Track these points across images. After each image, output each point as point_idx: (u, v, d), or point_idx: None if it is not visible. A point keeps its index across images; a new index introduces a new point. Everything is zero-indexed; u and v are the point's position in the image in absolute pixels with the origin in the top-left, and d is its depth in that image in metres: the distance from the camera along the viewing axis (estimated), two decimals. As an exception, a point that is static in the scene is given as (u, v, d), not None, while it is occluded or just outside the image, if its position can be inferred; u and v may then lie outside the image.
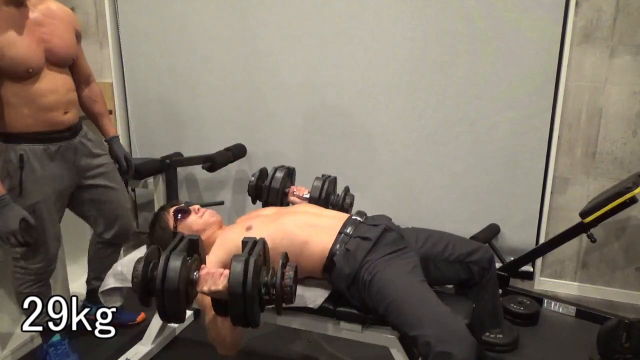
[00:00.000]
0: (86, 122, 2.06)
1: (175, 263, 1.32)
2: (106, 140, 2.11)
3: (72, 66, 1.92)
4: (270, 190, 1.97)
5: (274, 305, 1.38)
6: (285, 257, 1.44)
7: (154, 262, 1.37)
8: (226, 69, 2.90)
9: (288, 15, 2.72)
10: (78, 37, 1.92)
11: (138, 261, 1.37)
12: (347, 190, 2.06)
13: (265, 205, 2.01)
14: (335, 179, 2.08)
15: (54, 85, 1.77)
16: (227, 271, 1.35)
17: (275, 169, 2.01)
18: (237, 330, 1.50)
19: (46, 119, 1.77)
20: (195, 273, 1.38)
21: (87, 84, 2.04)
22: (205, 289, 1.34)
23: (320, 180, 2.00)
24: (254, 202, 2.05)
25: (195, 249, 1.46)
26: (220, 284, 1.33)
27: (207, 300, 1.47)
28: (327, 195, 1.98)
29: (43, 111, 1.76)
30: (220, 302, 1.39)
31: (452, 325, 1.38)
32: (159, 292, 1.31)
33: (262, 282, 1.35)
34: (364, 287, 1.53)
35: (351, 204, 2.03)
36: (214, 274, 1.35)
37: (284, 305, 1.39)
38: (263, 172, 2.03)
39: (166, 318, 1.37)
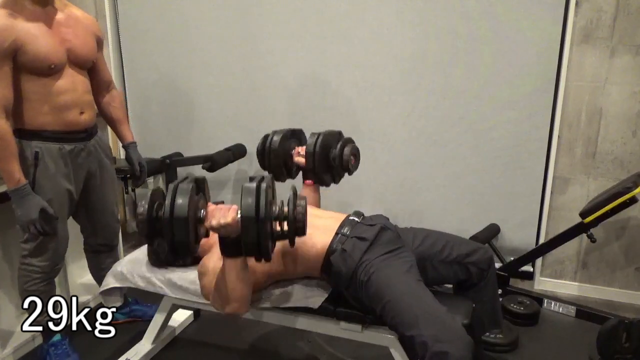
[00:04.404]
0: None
1: (183, 193, 1.27)
2: (123, 146, 2.15)
3: (93, 72, 1.97)
4: (270, 154, 1.91)
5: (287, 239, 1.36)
6: (294, 190, 1.39)
7: (159, 202, 1.32)
8: (226, 69, 2.90)
9: (288, 15, 2.72)
10: (99, 43, 1.97)
11: (141, 200, 1.32)
12: (346, 141, 1.93)
13: (268, 169, 1.94)
14: (338, 132, 1.95)
15: (72, 84, 1.81)
16: (235, 206, 1.32)
17: (274, 133, 1.94)
18: (244, 278, 1.45)
19: (63, 118, 1.80)
20: (202, 211, 1.35)
21: (107, 90, 2.07)
22: (214, 222, 1.32)
23: (314, 136, 1.88)
24: (263, 169, 1.99)
25: (202, 188, 1.42)
26: (230, 216, 1.30)
27: (211, 260, 1.46)
28: (324, 149, 1.88)
29: (60, 109, 1.79)
30: (228, 240, 1.35)
31: (448, 325, 1.39)
32: (167, 223, 1.25)
33: (273, 215, 1.30)
34: (361, 287, 1.53)
35: (354, 156, 1.91)
36: (222, 209, 1.33)
37: (295, 239, 1.36)
38: (266, 139, 1.95)
39: (175, 252, 1.30)
